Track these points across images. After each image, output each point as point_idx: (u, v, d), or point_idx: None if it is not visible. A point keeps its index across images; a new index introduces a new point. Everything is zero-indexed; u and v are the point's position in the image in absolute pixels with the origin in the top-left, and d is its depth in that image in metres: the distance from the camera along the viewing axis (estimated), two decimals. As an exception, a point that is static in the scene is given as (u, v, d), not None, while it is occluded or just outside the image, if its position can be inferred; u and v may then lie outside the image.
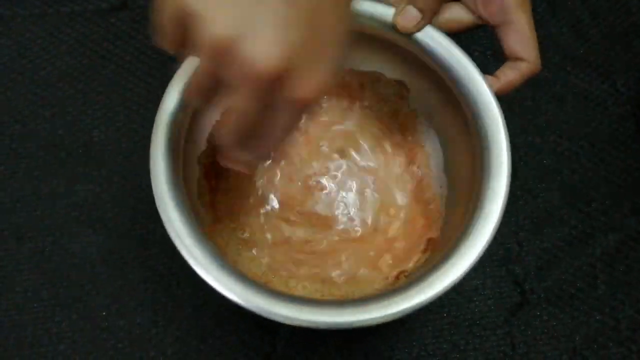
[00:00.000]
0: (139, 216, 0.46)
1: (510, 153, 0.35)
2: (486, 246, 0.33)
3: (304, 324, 0.31)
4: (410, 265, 0.40)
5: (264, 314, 0.31)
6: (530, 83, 0.50)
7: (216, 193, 0.41)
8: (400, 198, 0.43)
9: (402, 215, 0.42)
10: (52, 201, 0.46)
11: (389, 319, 0.31)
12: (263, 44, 0.24)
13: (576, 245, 0.46)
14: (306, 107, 0.27)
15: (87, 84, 0.50)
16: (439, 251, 0.36)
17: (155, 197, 0.34)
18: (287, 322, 0.31)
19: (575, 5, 0.53)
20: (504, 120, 0.36)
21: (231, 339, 0.43)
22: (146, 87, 0.50)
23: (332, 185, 0.43)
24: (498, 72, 0.37)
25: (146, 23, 0.52)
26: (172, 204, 0.33)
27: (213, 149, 0.40)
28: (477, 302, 0.44)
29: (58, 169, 0.47)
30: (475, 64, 0.37)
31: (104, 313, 0.43)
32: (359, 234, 0.42)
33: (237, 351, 0.43)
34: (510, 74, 0.37)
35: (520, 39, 0.36)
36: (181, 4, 0.25)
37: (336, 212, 0.42)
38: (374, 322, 0.31)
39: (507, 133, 0.35)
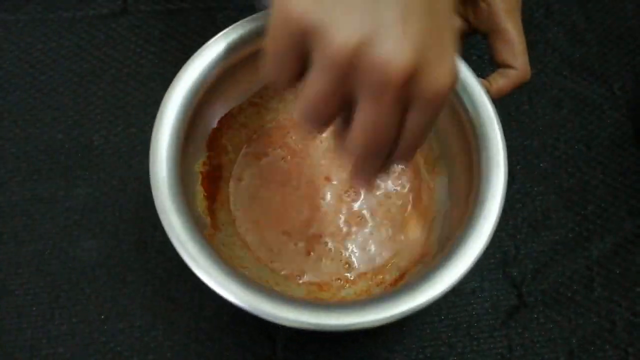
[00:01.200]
0: (139, 220, 0.46)
1: (506, 153, 0.35)
2: (484, 249, 0.33)
3: (305, 327, 0.31)
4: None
5: (263, 316, 0.31)
6: (527, 87, 0.51)
7: (214, 201, 0.41)
8: (398, 203, 0.43)
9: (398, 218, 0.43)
10: (52, 205, 0.46)
11: (388, 322, 0.31)
12: (393, 43, 0.22)
13: (573, 248, 0.46)
14: (442, 100, 0.25)
15: (87, 89, 0.50)
16: (438, 253, 0.36)
17: (156, 202, 0.34)
18: (288, 324, 0.31)
19: (572, 10, 0.53)
20: (499, 121, 0.36)
21: (231, 342, 0.43)
22: (146, 92, 0.50)
23: (329, 199, 0.43)
24: (489, 79, 0.37)
25: (146, 28, 0.52)
26: (173, 208, 0.33)
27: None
28: (474, 305, 0.44)
29: (58, 173, 0.47)
30: (469, 67, 0.37)
31: (103, 316, 0.43)
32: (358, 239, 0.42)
33: (237, 355, 0.43)
34: (500, 81, 0.37)
35: (510, 47, 0.36)
36: (297, 21, 0.23)
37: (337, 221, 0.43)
38: (373, 325, 0.31)
39: (502, 133, 0.36)
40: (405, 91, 0.23)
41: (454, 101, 0.38)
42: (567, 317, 0.44)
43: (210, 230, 0.39)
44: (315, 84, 0.24)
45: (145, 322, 0.43)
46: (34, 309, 0.44)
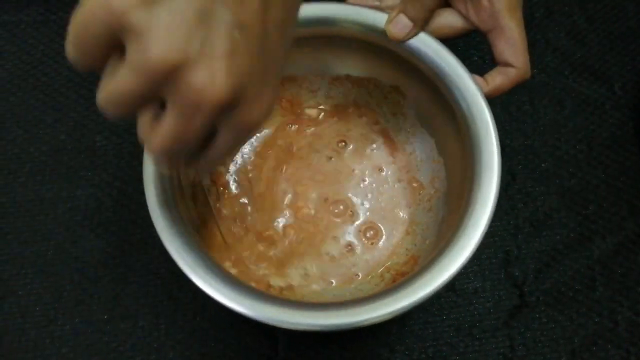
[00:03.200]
0: (141, 220, 0.46)
1: (500, 155, 0.35)
2: (477, 246, 0.33)
3: (303, 328, 0.31)
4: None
5: (265, 320, 0.31)
6: (529, 87, 0.51)
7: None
8: (396, 202, 0.43)
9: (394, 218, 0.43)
10: (55, 205, 0.46)
11: (385, 319, 0.32)
12: (214, 73, 0.22)
13: (574, 248, 0.46)
14: (252, 130, 0.26)
15: (89, 90, 0.50)
16: (435, 249, 0.36)
17: (150, 207, 0.34)
18: (290, 327, 0.31)
19: (573, 10, 0.53)
20: (494, 122, 0.36)
21: (233, 342, 0.43)
22: (148, 93, 0.50)
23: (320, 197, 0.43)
24: (487, 76, 0.37)
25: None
26: (165, 223, 0.34)
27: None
28: (476, 305, 0.44)
29: (61, 174, 0.47)
30: (465, 68, 0.37)
31: (105, 316, 0.44)
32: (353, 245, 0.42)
33: (239, 354, 0.43)
34: (498, 79, 0.37)
35: (510, 45, 0.36)
36: (116, 14, 0.21)
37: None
38: (369, 323, 0.32)
39: (496, 134, 0.36)
40: (215, 117, 0.24)
41: (450, 101, 0.38)
42: (569, 317, 0.44)
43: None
44: (123, 80, 0.23)
45: (148, 322, 0.43)
46: (37, 309, 0.44)
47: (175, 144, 0.24)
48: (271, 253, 0.41)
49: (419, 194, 0.43)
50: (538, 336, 0.43)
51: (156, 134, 0.25)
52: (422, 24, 0.37)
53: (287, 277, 0.41)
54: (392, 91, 0.43)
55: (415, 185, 0.43)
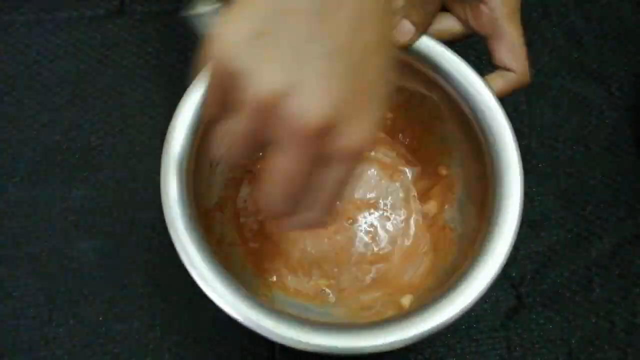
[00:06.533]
0: (136, 221, 0.46)
1: (519, 155, 0.35)
2: (501, 267, 0.33)
3: (320, 350, 0.31)
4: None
5: (273, 338, 0.31)
6: (525, 87, 0.51)
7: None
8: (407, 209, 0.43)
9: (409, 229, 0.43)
10: (49, 206, 0.46)
11: (402, 345, 0.31)
12: (311, 97, 0.23)
13: (572, 249, 0.46)
14: (358, 157, 0.25)
15: (84, 90, 0.50)
16: (456, 266, 0.35)
17: (166, 217, 0.33)
18: (300, 347, 0.30)
19: (570, 10, 0.53)
20: (509, 122, 0.35)
21: (229, 344, 0.43)
22: (143, 93, 0.50)
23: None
24: (488, 78, 0.37)
25: (143, 28, 0.52)
26: (183, 227, 0.33)
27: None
28: (473, 306, 0.44)
29: (55, 175, 0.47)
30: (473, 69, 0.37)
31: (100, 318, 0.43)
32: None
33: (235, 356, 0.43)
34: (499, 83, 0.37)
35: (510, 51, 0.36)
36: (224, 64, 0.24)
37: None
38: (384, 349, 0.31)
39: (514, 135, 0.35)
40: (318, 145, 0.24)
41: (460, 104, 0.37)
42: (566, 318, 0.44)
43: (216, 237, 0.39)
44: (235, 122, 0.25)
45: (143, 323, 0.43)
46: (32, 310, 0.43)
47: (292, 184, 0.25)
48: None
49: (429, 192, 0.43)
50: (535, 337, 0.43)
51: (272, 178, 0.25)
52: (424, 29, 0.37)
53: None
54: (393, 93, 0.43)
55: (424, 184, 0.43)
